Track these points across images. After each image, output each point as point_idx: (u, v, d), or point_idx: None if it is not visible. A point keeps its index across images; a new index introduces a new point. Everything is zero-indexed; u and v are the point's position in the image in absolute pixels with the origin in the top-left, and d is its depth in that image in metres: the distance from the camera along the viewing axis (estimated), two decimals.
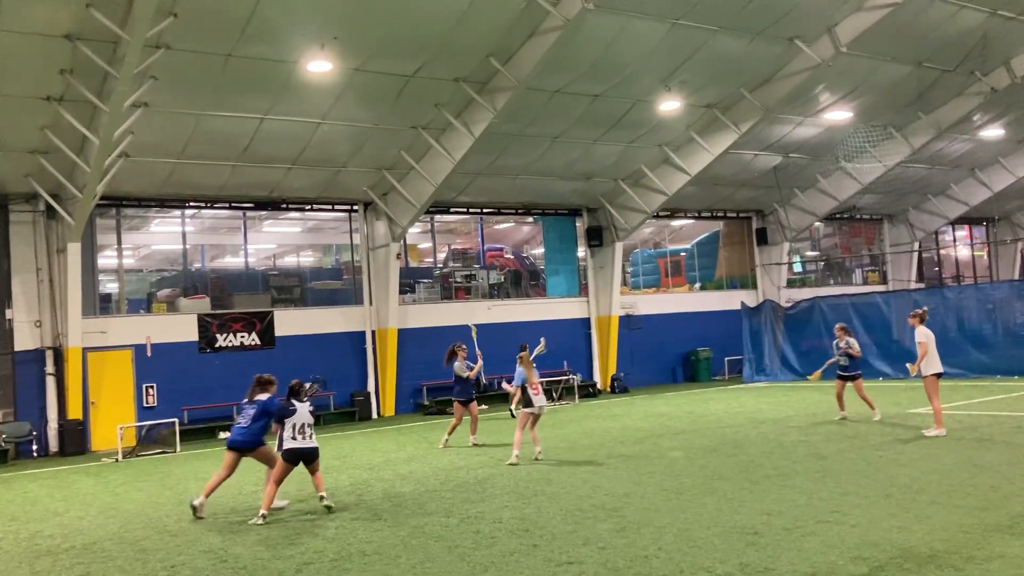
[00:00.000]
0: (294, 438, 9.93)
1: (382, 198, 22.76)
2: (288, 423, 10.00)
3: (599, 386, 26.15)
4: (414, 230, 26.07)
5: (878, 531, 7.49)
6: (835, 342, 15.74)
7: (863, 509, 8.37)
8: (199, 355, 21.10)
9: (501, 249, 29.37)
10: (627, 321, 27.19)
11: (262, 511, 9.80)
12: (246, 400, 10.63)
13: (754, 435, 14.40)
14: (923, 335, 12.97)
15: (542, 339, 14.88)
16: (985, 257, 39.71)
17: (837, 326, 16.11)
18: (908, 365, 13.42)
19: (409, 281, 25.02)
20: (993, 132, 28.34)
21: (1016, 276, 36.29)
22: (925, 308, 14.05)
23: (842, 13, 19.27)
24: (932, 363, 12.97)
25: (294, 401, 10.14)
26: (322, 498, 10.12)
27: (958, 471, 10.01)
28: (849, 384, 15.44)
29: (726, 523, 8.21)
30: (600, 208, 26.65)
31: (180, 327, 21.06)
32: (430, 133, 20.34)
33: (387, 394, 23.11)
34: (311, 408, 10.28)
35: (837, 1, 18.79)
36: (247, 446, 10.33)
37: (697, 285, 30.87)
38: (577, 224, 27.56)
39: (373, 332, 23.32)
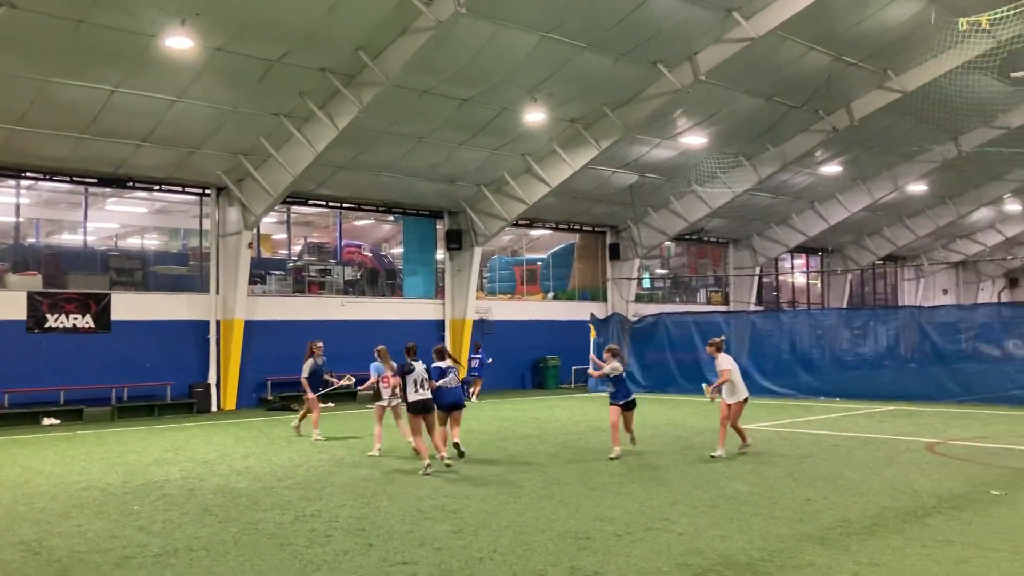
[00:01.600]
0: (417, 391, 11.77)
1: (237, 184, 22.03)
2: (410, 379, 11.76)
3: None
4: (269, 220, 25.36)
5: (703, 539, 7.83)
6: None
7: (690, 518, 8.73)
8: (26, 335, 19.77)
9: (359, 246, 28.97)
10: (481, 326, 27.37)
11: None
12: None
13: (595, 443, 14.76)
14: (727, 362, 12.90)
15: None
16: (819, 285, 42.31)
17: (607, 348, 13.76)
18: (704, 386, 13.38)
19: (260, 272, 24.31)
20: (832, 169, 30.24)
21: (844, 305, 38.77)
22: (723, 337, 13.92)
23: (703, 43, 20.10)
24: (739, 390, 12.87)
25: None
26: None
27: (779, 485, 10.59)
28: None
29: (561, 527, 8.38)
30: (461, 212, 26.73)
31: (6, 305, 19.67)
32: (292, 122, 19.85)
33: (229, 387, 22.34)
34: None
35: (698, 31, 19.58)
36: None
37: (551, 294, 31.44)
38: (438, 226, 27.55)
39: (218, 322, 22.51)
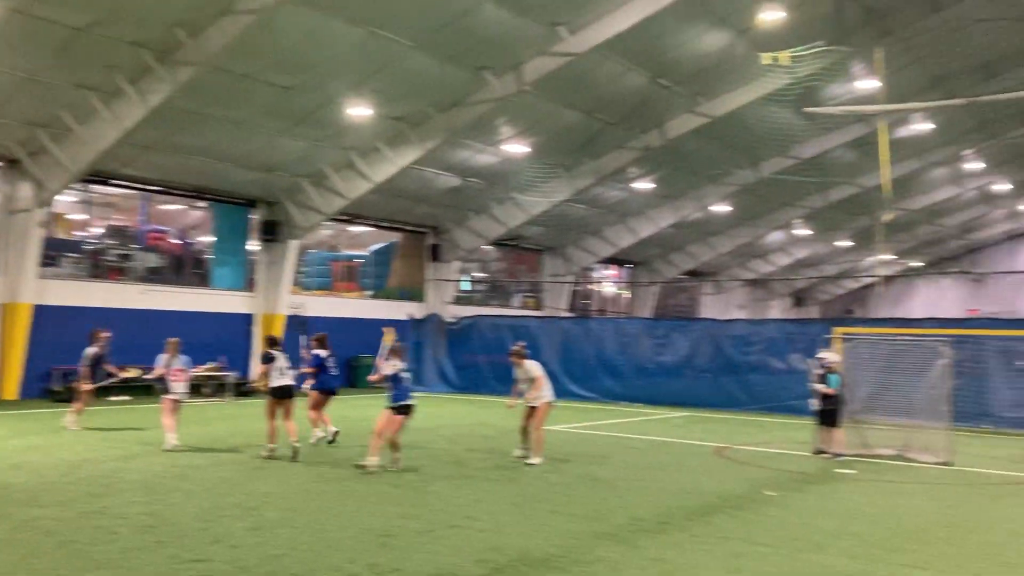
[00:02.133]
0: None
1: (31, 157, 20.39)
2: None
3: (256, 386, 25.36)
4: (65, 198, 23.65)
5: (502, 536, 8.01)
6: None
7: (492, 516, 8.90)
8: None
9: (165, 232, 27.54)
10: (294, 321, 26.65)
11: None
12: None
13: (403, 441, 14.72)
14: (537, 368, 12.76)
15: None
16: (627, 296, 44.18)
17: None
18: (511, 400, 13.06)
19: (53, 254, 22.61)
20: (644, 185, 31.69)
21: (650, 315, 40.64)
22: (523, 344, 13.49)
23: (528, 54, 20.53)
24: (548, 392, 12.83)
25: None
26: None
27: (578, 484, 10.99)
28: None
29: (363, 524, 8.33)
30: (278, 203, 25.97)
31: None
32: (98, 96, 18.61)
33: (11, 375, 20.63)
34: None
35: (525, 42, 20.01)
36: None
37: (369, 292, 31.12)
38: (252, 216, 26.61)
39: (2, 305, 20.76)
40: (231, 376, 23.38)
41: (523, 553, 7.41)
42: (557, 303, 36.32)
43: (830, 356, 14.80)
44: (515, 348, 13.09)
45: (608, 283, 43.59)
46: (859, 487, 11.38)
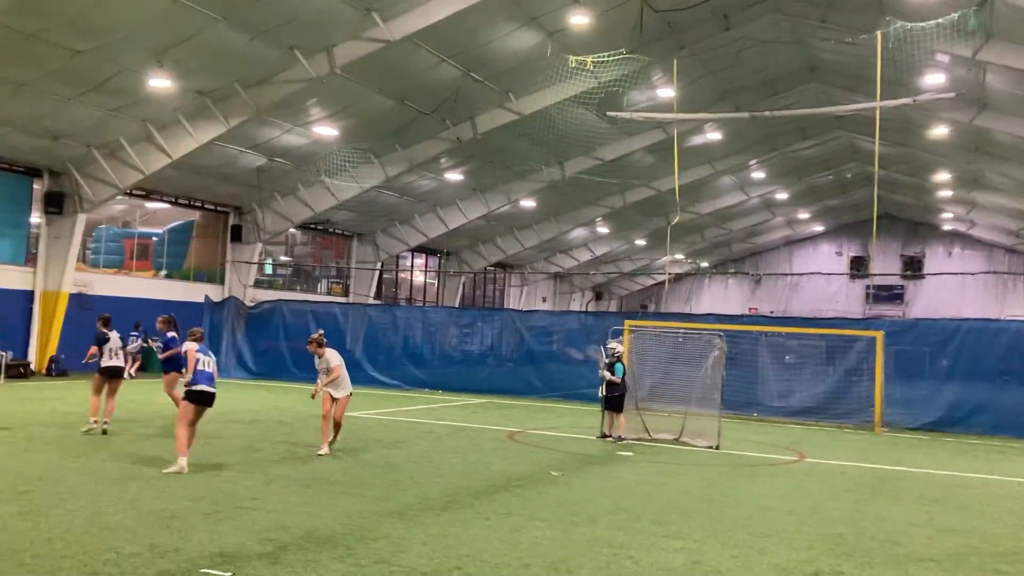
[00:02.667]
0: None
1: None
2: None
3: (33, 367, 23.69)
4: None
5: (291, 516, 8.06)
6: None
7: (281, 498, 8.91)
8: None
9: None
10: (79, 300, 25.08)
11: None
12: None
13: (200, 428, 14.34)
14: (337, 358, 12.40)
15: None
16: (435, 285, 44.59)
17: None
18: (315, 388, 12.41)
19: None
20: (455, 176, 32.12)
21: (457, 304, 41.26)
22: (321, 331, 13.15)
23: (341, 37, 20.38)
24: (346, 385, 12.48)
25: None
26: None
27: (372, 467, 11.16)
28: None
29: (145, 507, 8.13)
30: (65, 173, 24.30)
31: None
32: None
33: None
34: None
35: (338, 24, 19.84)
36: None
37: (163, 272, 29.75)
38: (35, 186, 24.74)
39: None
40: (4, 356, 21.75)
41: (308, 532, 7.49)
42: (364, 290, 36.16)
43: (617, 346, 15.69)
44: (313, 337, 12.59)
45: (418, 272, 43.80)
46: (635, 468, 12.21)
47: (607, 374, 15.07)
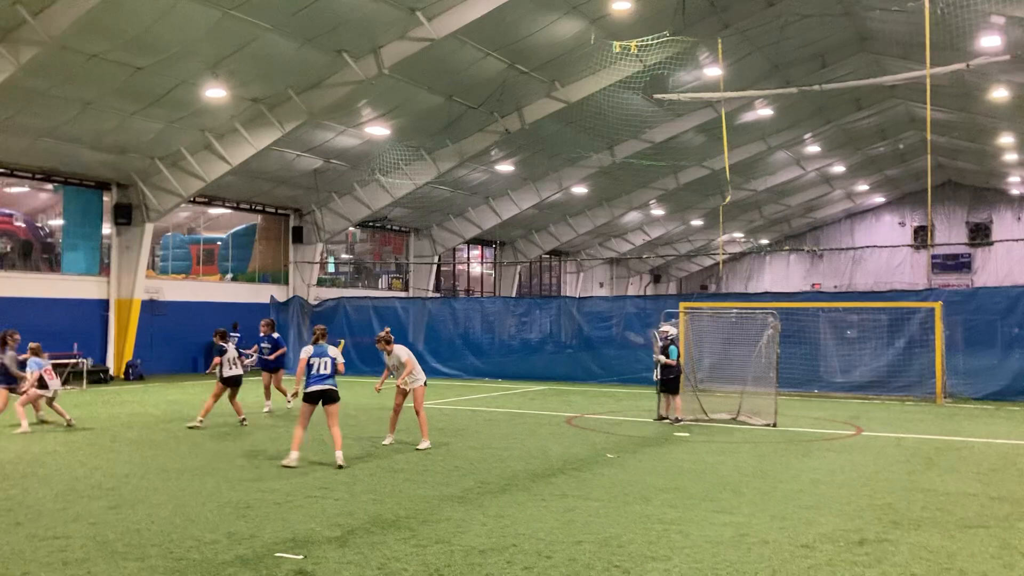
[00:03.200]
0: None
1: None
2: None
3: (112, 372, 24.79)
4: None
5: (357, 504, 8.53)
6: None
7: (348, 487, 9.39)
8: None
9: (11, 215, 26.38)
10: (151, 306, 26.15)
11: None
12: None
13: (265, 423, 15.02)
14: (406, 353, 12.68)
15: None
16: (492, 275, 45.08)
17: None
18: (397, 383, 12.69)
19: None
20: (506, 168, 32.47)
21: (514, 294, 41.71)
22: (387, 329, 13.38)
23: (387, 38, 20.84)
24: (421, 374, 12.82)
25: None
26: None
27: (434, 455, 11.59)
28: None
29: (222, 499, 8.67)
30: (132, 185, 25.34)
31: None
32: None
33: None
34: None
35: (383, 26, 20.30)
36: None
37: (229, 276, 30.74)
38: (105, 199, 25.84)
39: None
40: (86, 363, 22.81)
41: (375, 517, 7.95)
42: (423, 284, 36.79)
43: (671, 329, 15.88)
44: (381, 335, 12.75)
45: (475, 263, 44.33)
46: (691, 448, 12.45)
47: (662, 357, 15.31)
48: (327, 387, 10.90)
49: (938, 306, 19.51)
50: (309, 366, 10.90)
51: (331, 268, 36.70)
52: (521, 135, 28.27)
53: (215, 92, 20.88)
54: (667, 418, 15.38)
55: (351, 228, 33.96)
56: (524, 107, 26.82)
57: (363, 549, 6.87)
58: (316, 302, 29.09)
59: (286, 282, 31.15)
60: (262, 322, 17.49)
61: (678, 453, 11.98)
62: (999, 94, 29.56)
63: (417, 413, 12.50)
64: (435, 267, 37.69)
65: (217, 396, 14.51)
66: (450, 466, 10.69)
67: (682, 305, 20.45)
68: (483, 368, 25.57)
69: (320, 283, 32.28)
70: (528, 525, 7.67)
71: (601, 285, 51.21)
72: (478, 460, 11.16)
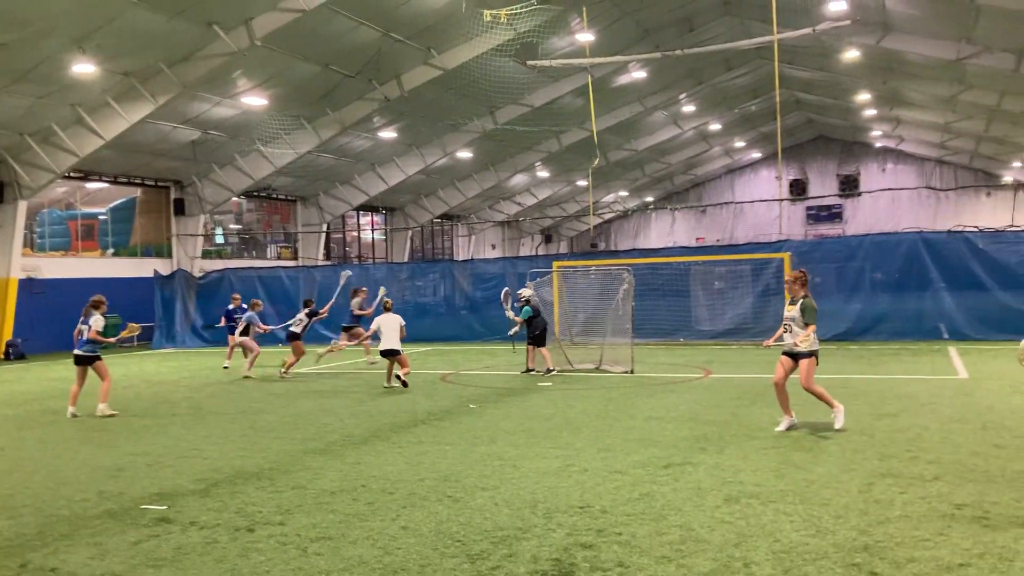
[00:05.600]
0: None
1: None
2: None
3: None
4: None
5: (224, 460, 9.20)
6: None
7: (219, 447, 10.03)
8: None
9: None
10: (29, 284, 25.76)
11: None
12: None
13: (147, 393, 15.41)
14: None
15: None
16: (385, 241, 45.45)
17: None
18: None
19: None
20: (389, 134, 32.87)
21: (406, 259, 42.22)
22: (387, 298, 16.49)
23: (258, 8, 20.98)
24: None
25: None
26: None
27: (306, 415, 12.30)
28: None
29: (96, 464, 9.21)
30: (3, 162, 24.80)
31: None
32: None
33: None
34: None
35: None
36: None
37: (111, 251, 30.38)
38: None
39: None
40: None
41: (239, 471, 8.65)
42: (312, 252, 36.98)
43: (526, 291, 16.82)
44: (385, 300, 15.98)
45: (367, 230, 44.60)
46: (549, 396, 13.49)
47: (511, 314, 16.36)
48: (82, 352, 12.70)
49: (787, 256, 21.10)
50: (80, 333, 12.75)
51: (219, 239, 36.51)
52: (402, 102, 28.72)
53: (84, 67, 20.68)
54: (534, 370, 16.42)
55: (236, 198, 33.85)
56: (402, 74, 27.26)
57: (224, 497, 7.58)
58: (201, 275, 29.07)
59: (169, 255, 30.95)
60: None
61: (535, 400, 13.00)
62: (852, 55, 31.50)
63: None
64: (324, 235, 37.88)
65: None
66: (320, 424, 11.42)
67: (555, 264, 21.55)
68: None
69: (206, 255, 32.15)
70: (380, 469, 8.51)
71: (493, 247, 52.17)
72: (348, 417, 11.92)
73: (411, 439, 10.06)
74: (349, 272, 20.62)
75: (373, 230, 44.36)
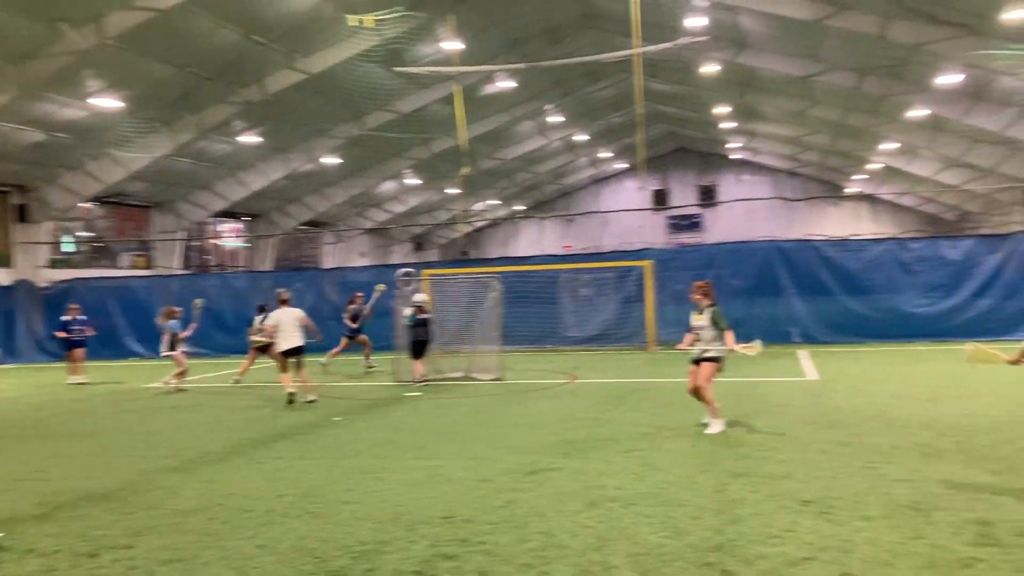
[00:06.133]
0: None
1: None
2: None
3: None
4: None
5: (69, 483, 8.64)
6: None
7: (64, 468, 9.43)
8: None
9: None
10: None
11: None
12: None
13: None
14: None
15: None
16: (247, 249, 44.10)
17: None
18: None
19: None
20: (252, 139, 31.89)
21: (270, 267, 41.07)
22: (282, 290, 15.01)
23: (109, 7, 20.00)
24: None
25: None
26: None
27: (162, 432, 11.75)
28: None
29: None
30: None
31: None
32: None
33: None
34: None
35: None
36: None
37: None
38: None
39: None
40: None
41: (85, 493, 8.14)
42: (169, 261, 35.49)
43: (419, 295, 16.61)
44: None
45: (229, 237, 43.17)
46: (417, 405, 13.38)
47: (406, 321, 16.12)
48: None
49: (648, 264, 21.71)
50: None
51: (70, 247, 34.52)
52: (265, 106, 27.95)
53: None
54: (405, 380, 16.23)
55: (85, 204, 32.11)
56: (265, 78, 26.54)
57: (66, 522, 7.13)
58: (46, 285, 27.41)
59: (11, 265, 29.01)
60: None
61: (403, 411, 12.86)
62: (710, 69, 32.80)
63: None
64: (182, 243, 36.42)
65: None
66: (177, 441, 10.92)
67: (424, 272, 21.43)
68: (232, 345, 25.26)
69: (56, 264, 30.33)
70: (238, 486, 8.19)
71: (362, 255, 51.45)
72: (207, 433, 11.46)
73: (272, 454, 9.75)
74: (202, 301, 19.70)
75: (235, 237, 42.97)
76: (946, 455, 8.37)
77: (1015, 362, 7.64)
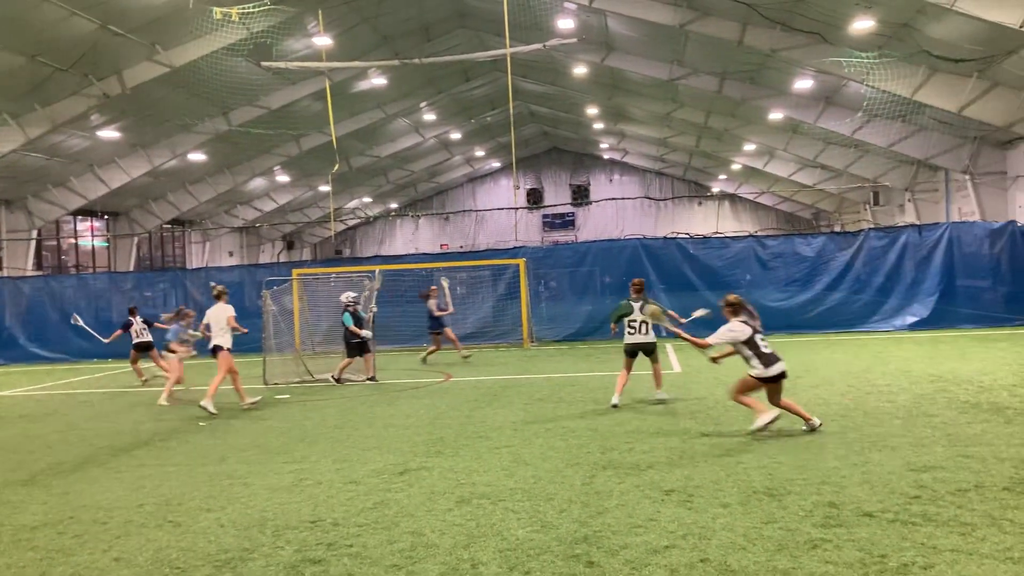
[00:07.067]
0: None
1: None
2: None
3: None
4: None
5: None
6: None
7: None
8: None
9: None
10: None
11: None
12: None
13: None
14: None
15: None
16: (107, 249, 42.07)
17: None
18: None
19: None
20: (110, 134, 30.45)
21: (132, 267, 39.30)
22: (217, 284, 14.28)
23: None
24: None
25: None
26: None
27: (8, 443, 11.08)
28: None
29: None
30: None
31: None
32: None
33: None
34: None
35: None
36: None
37: None
38: None
39: None
40: None
41: None
42: (20, 263, 33.49)
43: (350, 293, 16.10)
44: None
45: (87, 237, 41.06)
46: (286, 409, 13.08)
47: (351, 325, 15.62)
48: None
49: (522, 262, 21.93)
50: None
51: None
52: (124, 99, 26.70)
53: None
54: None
55: None
56: (124, 70, 25.38)
57: None
58: None
59: None
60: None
61: (271, 414, 12.56)
62: (580, 71, 33.42)
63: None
64: (34, 243, 34.43)
65: None
66: (24, 452, 10.33)
67: (295, 272, 20.99)
68: (91, 349, 24.06)
69: None
70: (93, 497, 7.82)
71: (231, 254, 49.95)
72: (59, 443, 10.88)
73: (132, 463, 9.35)
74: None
75: (94, 237, 40.94)
76: (800, 441, 8.81)
77: (714, 360, 9.98)
